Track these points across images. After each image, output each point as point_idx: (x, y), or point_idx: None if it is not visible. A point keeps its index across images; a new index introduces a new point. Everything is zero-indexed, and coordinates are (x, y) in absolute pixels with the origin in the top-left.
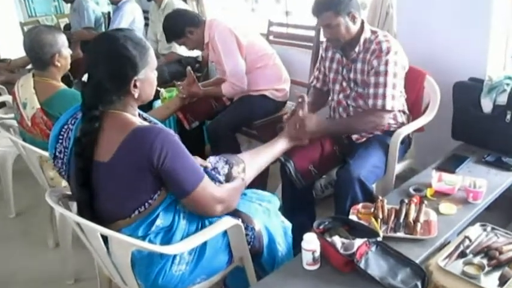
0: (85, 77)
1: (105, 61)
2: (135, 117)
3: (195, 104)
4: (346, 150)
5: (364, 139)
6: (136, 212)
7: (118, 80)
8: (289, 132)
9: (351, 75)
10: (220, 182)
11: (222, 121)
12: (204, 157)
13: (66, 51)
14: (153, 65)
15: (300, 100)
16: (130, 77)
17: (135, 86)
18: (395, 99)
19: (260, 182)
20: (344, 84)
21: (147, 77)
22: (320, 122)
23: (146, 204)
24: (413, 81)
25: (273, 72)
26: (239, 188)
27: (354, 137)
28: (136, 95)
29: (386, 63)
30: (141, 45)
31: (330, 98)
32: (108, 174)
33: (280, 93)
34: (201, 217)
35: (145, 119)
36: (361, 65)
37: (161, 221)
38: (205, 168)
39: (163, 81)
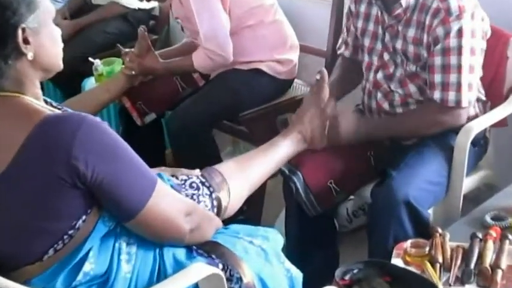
0: None
1: None
2: (39, 102)
3: (150, 85)
4: (386, 156)
5: (414, 139)
6: (51, 252)
7: None
8: (299, 128)
9: (398, 45)
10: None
11: (192, 112)
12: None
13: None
14: (49, 9)
15: (318, 78)
16: (13, 25)
17: (25, 41)
18: (473, 89)
19: (252, 207)
20: (386, 56)
21: (44, 24)
22: (356, 123)
23: (66, 237)
24: (492, 49)
25: (273, 34)
26: (211, 218)
27: None
28: (30, 56)
29: (459, 35)
30: None
31: (364, 78)
32: (4, 192)
33: (284, 66)
34: (156, 257)
35: (57, 108)
36: (415, 31)
37: (92, 266)
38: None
39: (100, 48)
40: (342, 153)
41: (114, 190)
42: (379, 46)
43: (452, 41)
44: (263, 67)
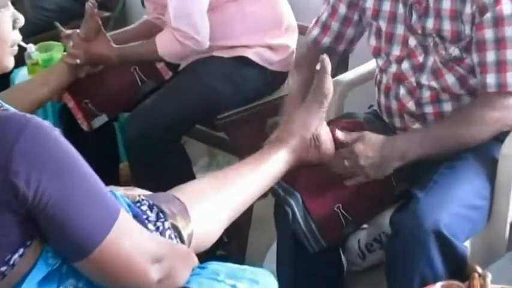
0: None
1: None
2: None
3: (100, 78)
4: (409, 173)
5: None
6: None
7: None
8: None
9: (429, 24)
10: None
11: (155, 113)
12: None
13: None
14: None
15: (318, 67)
16: None
17: None
18: None
19: (234, 238)
20: (412, 42)
21: None
22: (386, 142)
23: None
24: None
25: (264, 12)
26: (186, 256)
27: None
28: None
29: None
30: None
31: (377, 69)
32: None
33: (278, 54)
34: None
35: None
36: (451, 1)
37: None
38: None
39: (34, 29)
40: None
41: (62, 217)
42: (400, 30)
43: (506, 7)
44: (250, 54)
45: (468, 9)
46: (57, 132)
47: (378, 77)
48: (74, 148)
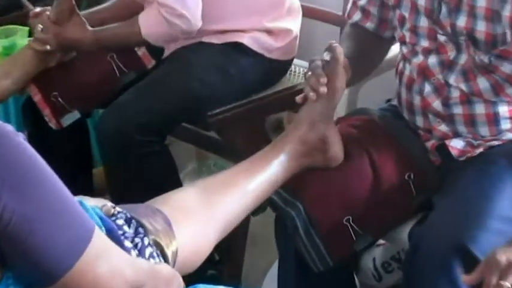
0: None
1: None
2: None
3: (71, 68)
4: (432, 180)
5: (478, 150)
6: None
7: None
8: (301, 134)
9: (461, 22)
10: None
11: (135, 109)
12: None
13: None
14: None
15: (327, 57)
16: None
17: None
18: None
19: (228, 256)
20: (441, 38)
21: None
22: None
23: None
24: None
25: None
26: (169, 280)
27: (454, 146)
28: None
29: None
30: None
31: (400, 55)
32: None
33: (278, 40)
34: None
35: None
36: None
37: None
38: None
39: None
40: (365, 172)
41: (26, 239)
42: (424, 23)
43: None
44: (245, 40)
45: (507, 11)
46: (20, 139)
47: (401, 65)
48: (40, 157)
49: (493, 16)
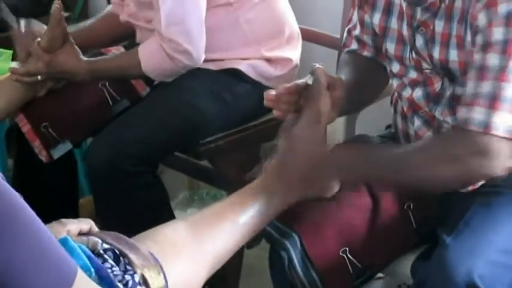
0: None
1: None
2: None
3: (63, 97)
4: (434, 211)
5: (480, 183)
6: None
7: None
8: (283, 170)
9: (435, 53)
10: None
11: (124, 138)
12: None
13: None
14: None
15: (310, 81)
16: None
17: None
18: None
19: None
20: (427, 70)
21: None
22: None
23: None
24: None
25: (262, 20)
26: None
27: None
28: None
29: (508, 22)
30: None
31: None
32: None
33: (278, 68)
34: None
35: None
36: (457, 27)
37: None
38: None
39: None
40: (364, 202)
41: (2, 286)
42: (407, 54)
43: (497, 31)
44: (243, 67)
45: (470, 36)
46: None
47: (395, 95)
48: (17, 196)
49: (463, 43)
